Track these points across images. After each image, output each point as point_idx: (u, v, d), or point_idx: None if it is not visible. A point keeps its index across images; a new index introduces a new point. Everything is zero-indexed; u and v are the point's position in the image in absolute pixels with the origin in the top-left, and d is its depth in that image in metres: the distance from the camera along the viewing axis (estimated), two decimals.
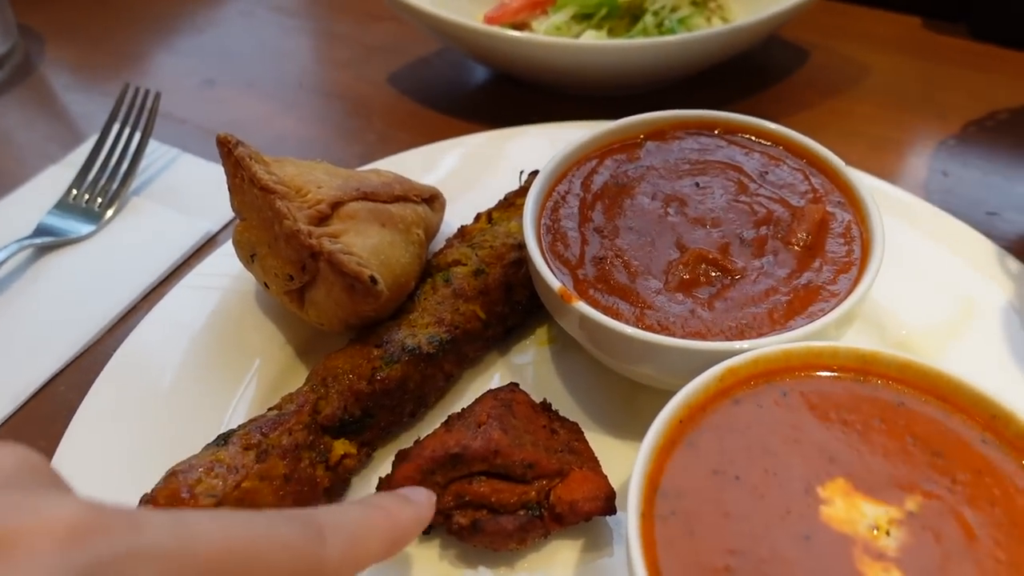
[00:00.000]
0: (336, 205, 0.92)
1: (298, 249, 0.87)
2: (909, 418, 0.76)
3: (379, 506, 0.67)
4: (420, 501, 0.71)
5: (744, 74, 1.43)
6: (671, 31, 1.30)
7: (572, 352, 1.00)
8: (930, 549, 0.68)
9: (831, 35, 1.51)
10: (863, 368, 0.80)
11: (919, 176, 1.25)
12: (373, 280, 0.86)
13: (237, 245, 0.97)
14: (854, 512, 0.70)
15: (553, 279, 0.87)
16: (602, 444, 0.89)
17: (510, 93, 1.42)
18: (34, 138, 1.42)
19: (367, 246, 0.90)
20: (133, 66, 1.57)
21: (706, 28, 1.35)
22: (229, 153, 0.92)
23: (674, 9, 1.35)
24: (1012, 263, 1.02)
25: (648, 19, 1.32)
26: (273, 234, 0.89)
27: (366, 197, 0.95)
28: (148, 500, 0.78)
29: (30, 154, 1.38)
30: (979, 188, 1.22)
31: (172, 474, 0.80)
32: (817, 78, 1.44)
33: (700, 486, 0.73)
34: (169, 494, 0.77)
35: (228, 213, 1.21)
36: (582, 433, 0.90)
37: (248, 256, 0.95)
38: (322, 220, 0.90)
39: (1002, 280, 1.00)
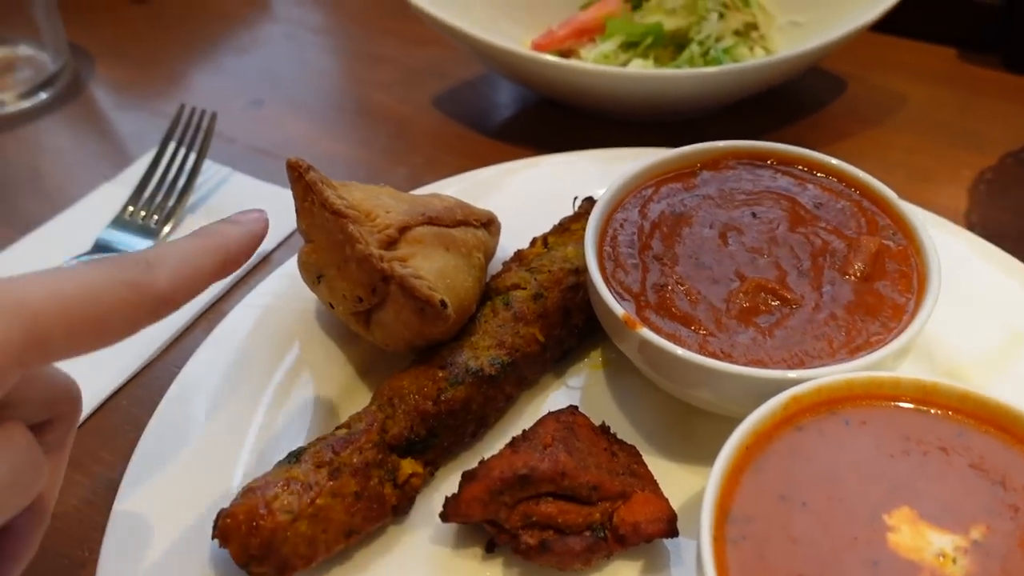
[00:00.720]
0: (404, 230, 0.94)
1: (370, 272, 0.89)
2: (970, 448, 0.78)
3: (206, 232, 0.72)
4: (248, 218, 0.76)
5: (783, 102, 1.46)
6: (716, 61, 1.33)
7: (626, 375, 1.02)
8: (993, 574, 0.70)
9: (868, 66, 1.54)
10: (924, 399, 0.82)
11: (959, 207, 1.28)
12: (443, 304, 0.88)
13: (303, 267, 0.99)
14: (920, 540, 0.72)
15: (617, 306, 0.89)
16: (659, 467, 0.91)
17: (554, 117, 1.45)
18: (85, 156, 1.45)
19: (434, 269, 0.93)
20: (181, 86, 1.60)
21: (749, 58, 1.38)
22: (300, 177, 0.94)
23: (719, 39, 1.38)
24: None
25: (694, 48, 1.35)
26: (343, 257, 0.92)
27: (431, 222, 0.98)
28: (226, 516, 0.81)
29: (81, 172, 1.41)
30: (1019, 219, 1.25)
31: (249, 490, 0.82)
32: (855, 108, 1.46)
33: (768, 511, 0.75)
34: (247, 510, 0.80)
35: (283, 232, 1.25)
36: (641, 456, 0.92)
37: (315, 278, 0.98)
38: (391, 244, 0.93)
39: None
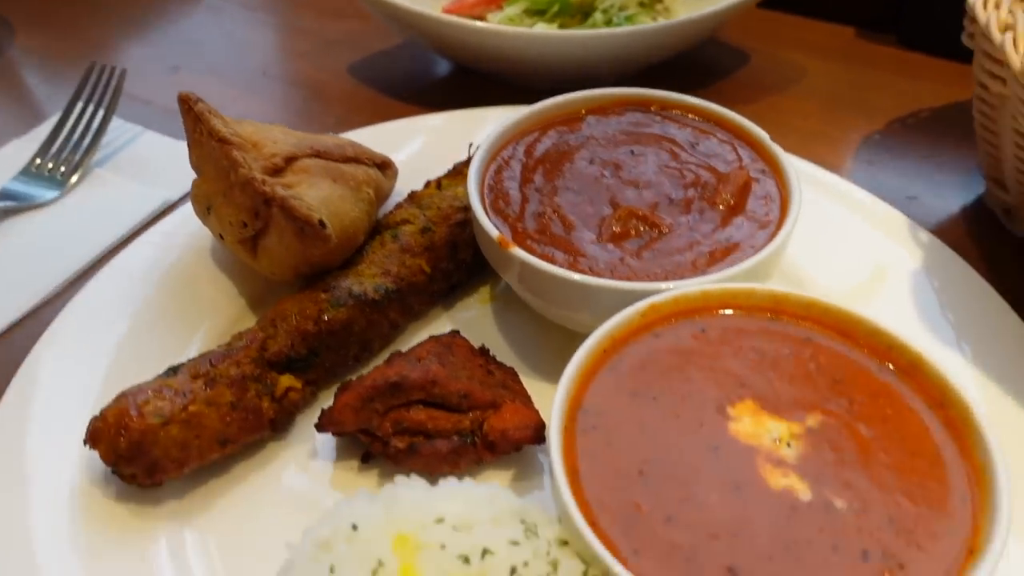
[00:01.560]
0: (290, 160, 0.97)
1: (252, 196, 0.92)
2: (815, 350, 0.83)
3: None
4: None
5: (690, 74, 1.51)
6: (618, 27, 1.38)
7: (512, 308, 1.05)
8: (825, 457, 0.74)
9: (771, 41, 1.60)
10: (775, 308, 0.86)
11: (847, 165, 1.33)
12: (322, 224, 0.91)
13: (195, 199, 1.01)
14: (759, 428, 0.76)
15: (492, 228, 0.92)
16: (537, 388, 0.94)
17: (467, 84, 1.49)
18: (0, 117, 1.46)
19: (318, 197, 0.95)
20: (101, 54, 1.61)
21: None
22: (190, 109, 0.97)
23: (622, 8, 1.43)
24: (923, 235, 1.09)
25: (597, 16, 1.40)
26: (228, 183, 0.94)
27: (319, 155, 1.01)
28: (97, 419, 0.82)
29: None
30: (901, 176, 1.31)
31: (121, 395, 0.84)
32: (757, 78, 1.52)
33: (619, 405, 0.78)
34: (117, 413, 0.81)
35: (187, 184, 1.26)
36: (517, 376, 0.95)
37: (204, 209, 1.00)
38: (276, 172, 0.96)
39: (913, 249, 1.08)
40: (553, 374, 0.97)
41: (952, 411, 0.76)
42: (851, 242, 1.10)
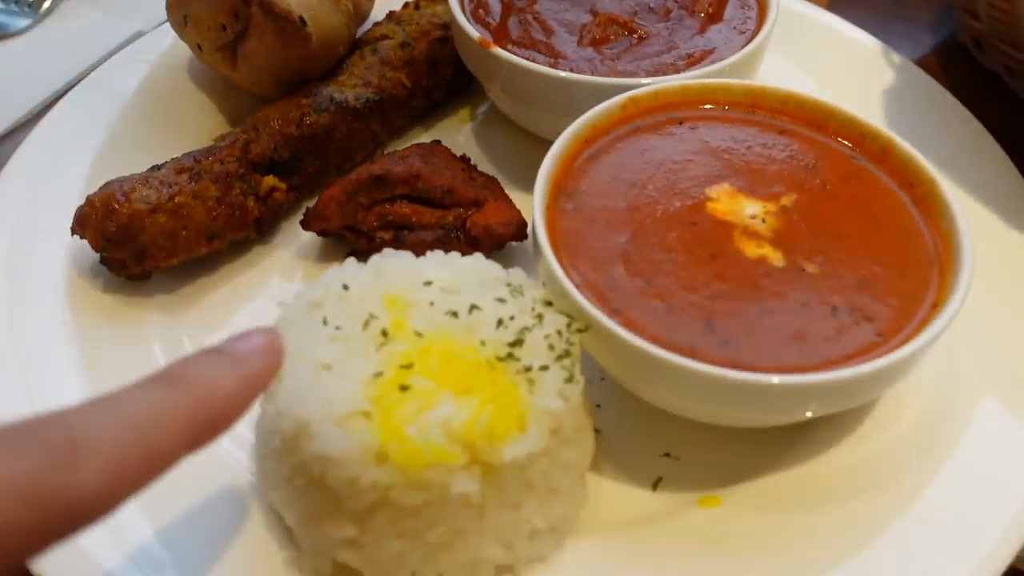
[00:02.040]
0: None
1: None
2: (790, 139, 0.85)
3: (177, 378, 0.51)
4: (250, 349, 0.56)
5: None
6: None
7: (493, 125, 1.07)
8: (799, 230, 0.77)
9: None
10: (752, 102, 0.88)
11: (821, 3, 1.34)
12: (302, 21, 0.91)
13: (170, 8, 1.00)
14: (736, 207, 0.79)
15: (472, 31, 0.93)
16: (518, 198, 0.96)
17: None
18: None
19: (297, 1, 0.95)
20: None
21: None
22: None
23: None
24: (896, 57, 1.11)
25: None
26: None
27: None
28: (84, 205, 0.83)
29: None
30: (875, 16, 1.32)
31: (107, 184, 0.84)
32: None
33: (601, 188, 0.80)
34: (104, 197, 0.82)
35: (160, 16, 1.24)
36: (498, 183, 0.96)
37: (181, 18, 0.99)
38: None
39: (887, 72, 1.10)
40: (531, 188, 1.00)
41: (920, 189, 0.79)
42: (827, 66, 1.11)
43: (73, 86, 1.13)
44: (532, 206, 0.77)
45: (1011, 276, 0.89)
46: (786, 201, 0.79)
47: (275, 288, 0.91)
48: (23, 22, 1.22)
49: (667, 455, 0.77)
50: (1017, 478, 0.74)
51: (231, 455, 0.74)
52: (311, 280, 0.90)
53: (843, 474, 0.76)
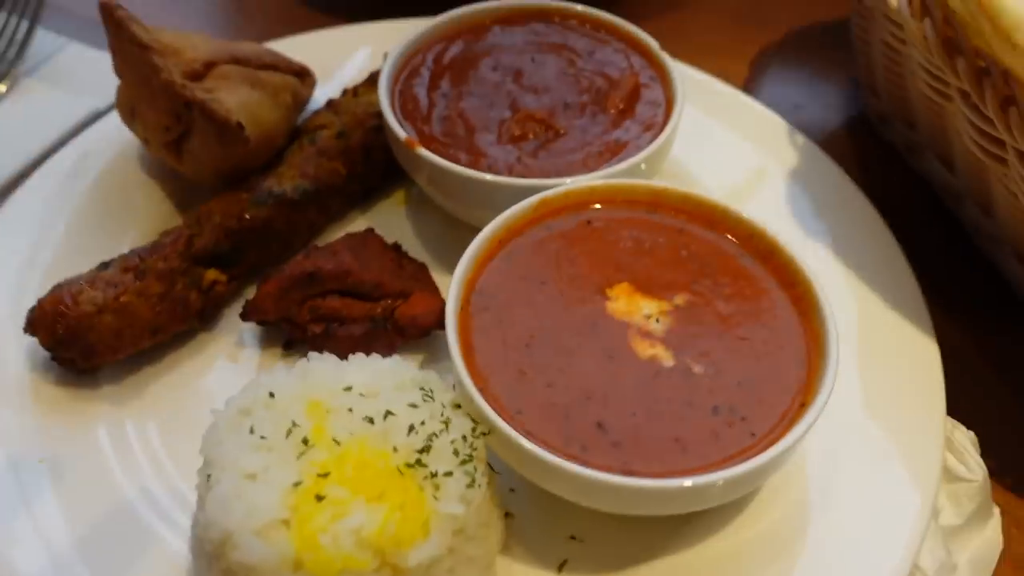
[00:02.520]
0: (209, 65, 1.03)
1: (173, 99, 0.97)
2: (687, 239, 0.93)
3: None
4: None
5: None
6: None
7: (424, 209, 1.14)
8: (689, 330, 0.85)
9: None
10: (654, 201, 0.96)
11: (742, 76, 1.42)
12: (240, 126, 0.97)
13: (119, 105, 1.06)
14: (633, 306, 0.87)
15: (400, 130, 1.00)
16: (445, 281, 1.02)
17: None
18: None
19: (236, 101, 1.01)
20: None
21: None
22: (111, 15, 1.01)
23: None
24: (799, 138, 1.20)
25: None
26: (151, 89, 0.99)
27: (238, 62, 1.06)
28: (35, 308, 0.89)
29: None
30: (790, 86, 1.41)
31: (57, 286, 0.91)
32: None
33: (510, 288, 0.88)
34: (54, 301, 0.89)
35: (113, 94, 1.30)
36: (427, 269, 1.04)
37: (129, 113, 1.05)
38: (196, 77, 1.01)
39: (789, 151, 1.18)
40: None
41: (799, 289, 0.88)
42: (734, 144, 1.20)
43: (31, 167, 1.20)
44: (453, 274, 0.85)
45: (893, 359, 0.97)
46: (679, 301, 0.87)
47: (218, 373, 0.98)
48: None
49: (573, 538, 0.85)
50: (888, 548, 0.82)
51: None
52: (249, 362, 0.99)
53: (739, 549, 0.84)
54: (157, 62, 0.98)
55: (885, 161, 1.28)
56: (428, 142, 1.01)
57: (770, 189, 1.15)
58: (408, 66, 1.11)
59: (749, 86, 1.40)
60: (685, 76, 1.11)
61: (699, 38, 1.50)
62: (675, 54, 1.34)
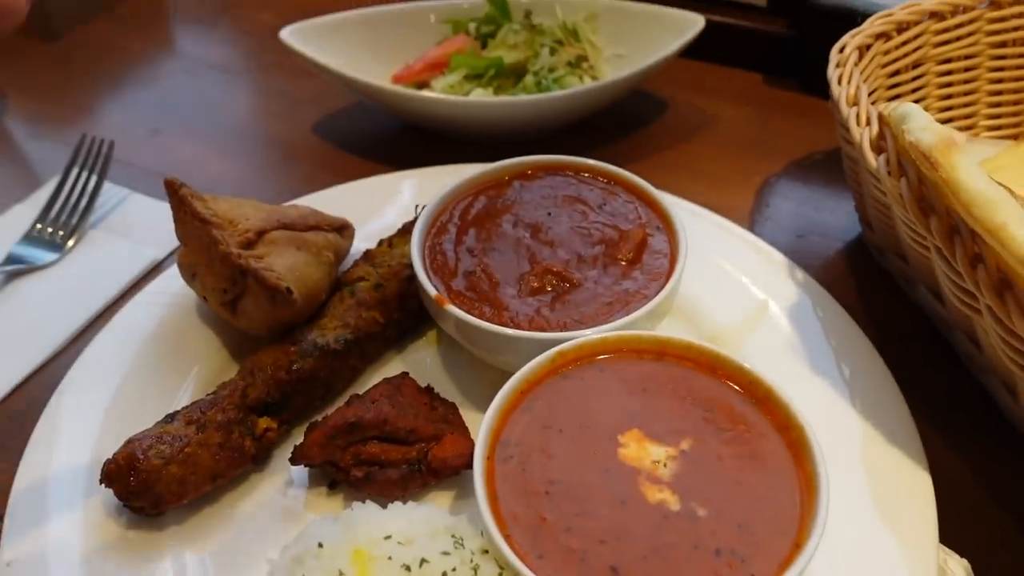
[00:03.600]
0: (261, 233, 1.16)
1: (230, 268, 1.10)
2: (691, 385, 1.03)
3: None
4: None
5: (614, 123, 1.70)
6: (547, 88, 1.57)
7: (454, 350, 1.25)
8: (694, 475, 0.94)
9: (687, 88, 1.79)
10: (660, 350, 1.06)
11: (747, 207, 1.53)
12: (289, 291, 1.10)
13: (181, 267, 1.20)
14: (642, 452, 0.96)
15: (431, 288, 1.12)
16: (474, 419, 1.13)
17: (416, 140, 1.67)
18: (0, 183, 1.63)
19: (285, 265, 1.14)
20: (86, 117, 1.78)
21: (578, 85, 1.62)
22: (175, 192, 1.15)
23: (552, 70, 1.62)
24: (799, 273, 1.30)
25: (529, 79, 1.59)
26: (210, 256, 1.13)
27: (285, 227, 1.19)
28: (110, 462, 1.01)
29: None
30: (792, 216, 1.51)
31: (129, 442, 1.02)
32: (673, 126, 1.72)
33: (532, 437, 0.98)
34: (126, 456, 1.00)
35: (171, 243, 1.43)
36: (457, 409, 1.14)
37: (190, 275, 1.19)
38: (249, 245, 1.14)
39: (789, 286, 1.28)
40: (487, 406, 1.17)
41: (793, 433, 0.96)
42: (737, 281, 1.30)
43: (96, 319, 1.33)
44: (480, 427, 0.95)
45: (886, 487, 1.05)
46: (684, 446, 0.96)
47: (270, 509, 1.08)
48: (51, 256, 1.42)
49: None
50: None
51: None
52: (297, 500, 1.09)
53: None
54: (216, 235, 1.11)
55: (884, 288, 1.37)
56: (455, 297, 1.13)
57: (771, 324, 1.24)
58: (436, 222, 1.23)
59: (754, 216, 1.51)
60: (688, 216, 1.22)
61: (705, 168, 1.62)
62: (681, 184, 1.48)
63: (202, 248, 1.14)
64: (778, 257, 1.33)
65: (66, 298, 1.36)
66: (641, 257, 1.17)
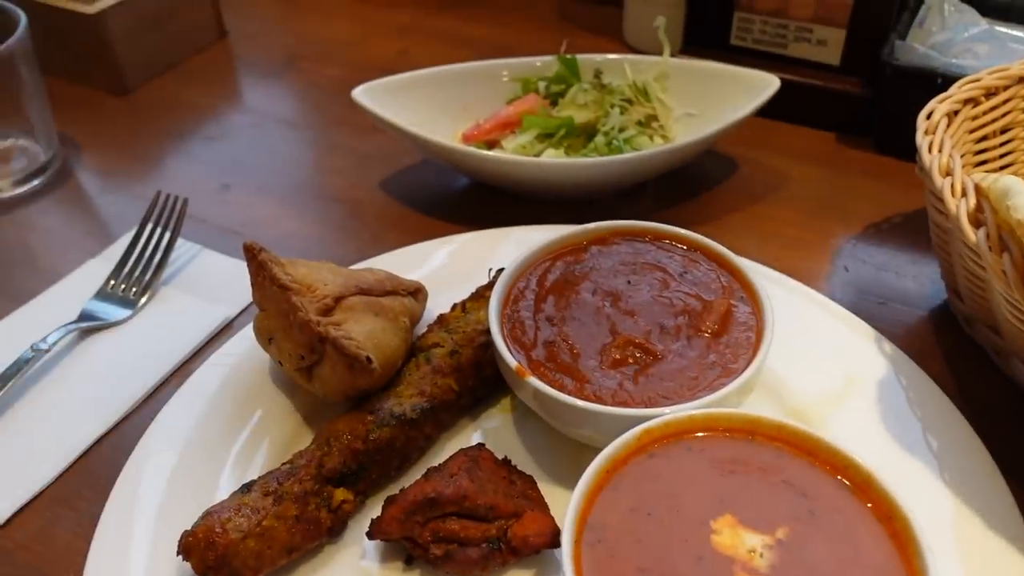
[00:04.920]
0: (339, 299, 1.15)
1: (309, 335, 1.09)
2: (784, 468, 0.99)
3: None
4: None
5: (682, 182, 1.68)
6: (618, 149, 1.55)
7: (530, 418, 1.22)
8: (793, 567, 0.90)
9: (757, 147, 1.76)
10: (750, 429, 1.02)
11: (824, 271, 1.50)
12: (369, 360, 1.08)
13: (257, 331, 1.19)
14: (736, 540, 0.92)
15: (511, 359, 1.09)
16: (552, 492, 1.10)
17: (484, 198, 1.66)
18: (74, 236, 1.65)
19: (363, 332, 1.13)
20: (158, 172, 1.80)
21: (649, 146, 1.60)
22: (254, 257, 1.15)
23: (622, 129, 1.60)
24: (887, 345, 1.25)
25: (599, 139, 1.57)
26: (288, 323, 1.12)
27: (362, 292, 1.18)
28: (188, 535, 0.99)
29: (71, 249, 1.60)
30: (872, 282, 1.47)
31: (207, 514, 1.01)
32: (743, 186, 1.69)
33: (620, 520, 0.94)
34: (206, 530, 0.98)
35: (243, 300, 1.44)
36: (536, 483, 1.11)
37: (267, 340, 1.18)
38: (327, 311, 1.13)
39: (878, 359, 1.24)
40: (566, 478, 1.14)
41: (897, 523, 0.92)
42: (821, 351, 1.26)
43: (169, 379, 1.33)
44: (564, 504, 0.92)
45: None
46: (780, 534, 0.92)
47: None
48: (124, 313, 1.43)
49: None
50: None
51: None
52: (374, 573, 1.06)
53: None
54: (295, 301, 1.10)
55: (973, 359, 1.32)
56: (535, 367, 1.10)
57: (859, 398, 1.20)
58: (513, 289, 1.21)
59: (832, 281, 1.47)
60: (770, 284, 1.19)
61: (778, 230, 1.59)
62: (753, 247, 1.46)
63: (280, 314, 1.13)
64: (862, 326, 1.29)
65: (139, 356, 1.37)
66: (726, 329, 1.14)
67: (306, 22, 2.33)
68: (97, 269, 1.53)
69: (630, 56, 1.71)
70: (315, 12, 2.37)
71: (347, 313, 1.14)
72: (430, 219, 1.64)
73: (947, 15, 1.73)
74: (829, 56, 1.77)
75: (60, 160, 1.81)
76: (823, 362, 1.25)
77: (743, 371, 1.08)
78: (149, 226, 1.54)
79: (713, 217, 1.61)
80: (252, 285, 1.18)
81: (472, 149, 1.53)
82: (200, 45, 2.17)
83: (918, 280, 1.47)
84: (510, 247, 1.41)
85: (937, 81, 1.57)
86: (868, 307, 1.41)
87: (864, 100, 1.75)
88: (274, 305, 1.14)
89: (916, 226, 1.58)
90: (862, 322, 1.29)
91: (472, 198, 1.68)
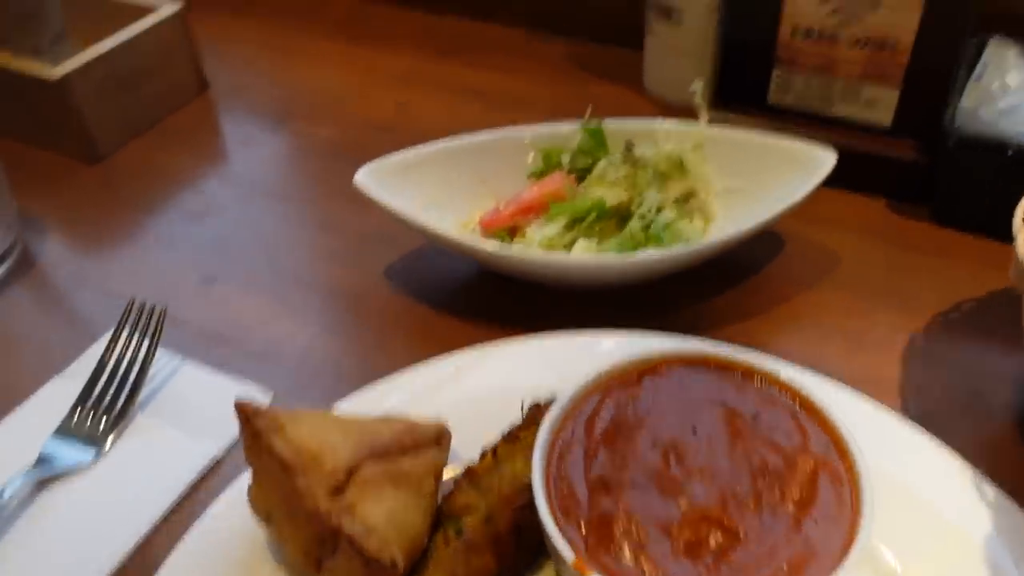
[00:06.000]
0: (351, 472, 0.96)
1: (319, 527, 0.90)
2: None
3: None
4: None
5: (721, 266, 1.49)
6: (657, 236, 1.37)
7: None
8: None
9: (801, 219, 1.56)
10: None
11: (895, 376, 1.32)
12: (393, 563, 0.89)
13: (252, 506, 1.00)
14: None
15: (568, 551, 0.91)
16: None
17: (500, 287, 1.47)
18: (34, 345, 1.45)
19: (383, 513, 0.94)
20: (134, 261, 1.60)
21: (689, 228, 1.42)
22: (247, 422, 0.96)
23: (659, 210, 1.42)
24: (988, 489, 1.08)
25: (634, 223, 1.39)
26: (292, 507, 0.93)
27: (378, 456, 0.99)
28: None
29: (31, 362, 1.41)
30: (949, 388, 1.29)
31: None
32: (791, 268, 1.51)
33: None
34: None
35: (231, 434, 1.25)
36: None
37: (265, 516, 0.99)
38: (339, 489, 0.94)
39: (981, 509, 1.06)
40: None
41: None
42: (915, 502, 1.08)
43: (152, 534, 1.14)
44: None
45: None
46: None
47: None
48: (87, 456, 1.22)
49: None
50: None
51: None
52: None
53: None
54: (301, 485, 0.91)
55: None
56: (595, 555, 0.92)
57: (965, 547, 1.02)
58: (557, 441, 1.02)
59: (905, 392, 1.29)
60: (839, 402, 1.01)
61: (835, 322, 1.41)
62: (810, 346, 1.35)
63: (281, 495, 0.94)
64: (960, 466, 1.11)
65: (108, 510, 1.16)
66: (816, 495, 0.96)
67: (294, 70, 2.11)
68: (61, 391, 1.32)
69: (663, 123, 1.52)
70: (304, 57, 2.16)
71: (362, 489, 0.95)
72: (443, 316, 1.45)
73: (1008, 74, 1.55)
74: (880, 117, 1.59)
75: (20, 249, 1.60)
76: (919, 514, 1.07)
77: (842, 561, 0.89)
78: (122, 339, 1.34)
79: (760, 309, 1.43)
80: (244, 448, 0.99)
81: (495, 246, 1.34)
82: (179, 103, 1.96)
83: (1001, 382, 1.30)
84: (541, 365, 1.23)
85: (1007, 153, 1.40)
86: (950, 423, 1.23)
87: (920, 167, 1.57)
88: (272, 480, 0.95)
89: (991, 312, 1.41)
90: (963, 462, 1.11)
91: (490, 287, 1.49)
